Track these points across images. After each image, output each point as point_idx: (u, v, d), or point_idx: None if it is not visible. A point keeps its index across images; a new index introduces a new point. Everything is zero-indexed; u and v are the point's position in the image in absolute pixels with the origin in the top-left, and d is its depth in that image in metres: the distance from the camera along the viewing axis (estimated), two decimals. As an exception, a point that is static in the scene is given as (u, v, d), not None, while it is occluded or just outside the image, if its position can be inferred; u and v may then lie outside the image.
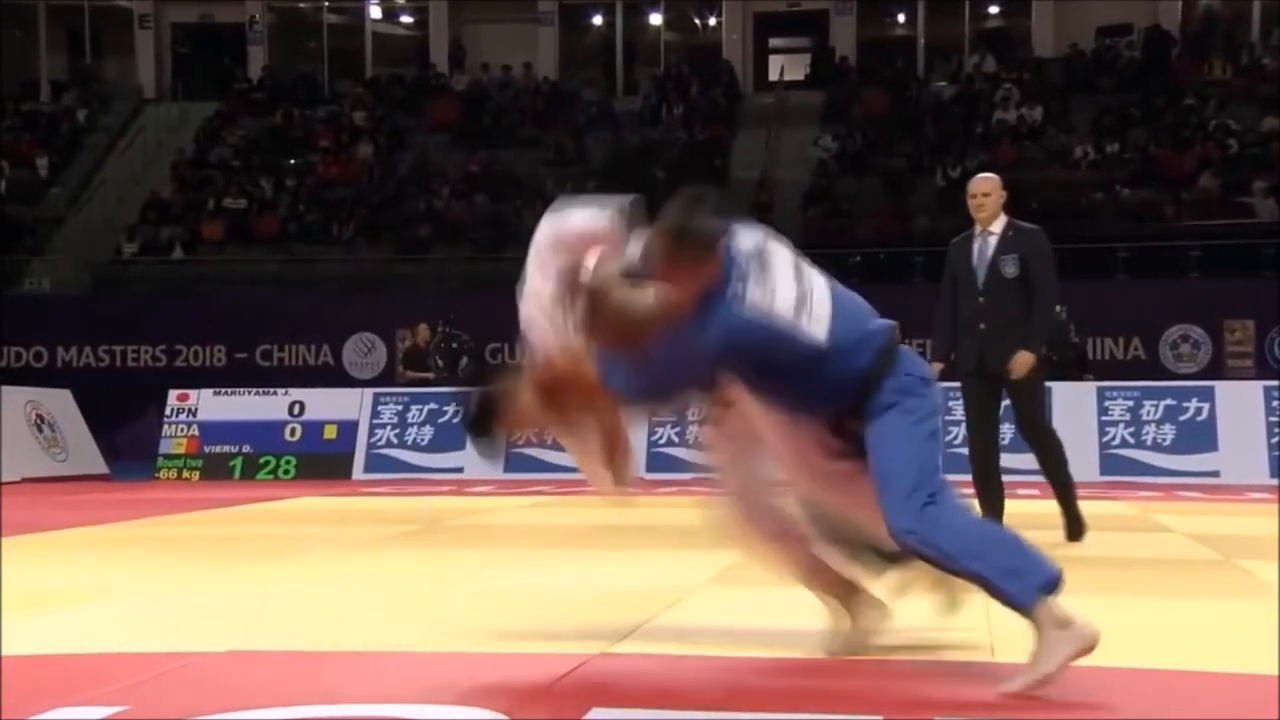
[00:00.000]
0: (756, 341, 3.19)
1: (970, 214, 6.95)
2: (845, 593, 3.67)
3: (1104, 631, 4.00)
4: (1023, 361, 6.68)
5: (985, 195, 6.86)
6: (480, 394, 3.59)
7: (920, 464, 3.19)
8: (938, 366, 6.87)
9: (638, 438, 3.40)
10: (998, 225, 6.85)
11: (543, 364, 3.41)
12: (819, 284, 3.32)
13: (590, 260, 3.31)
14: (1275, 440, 12.04)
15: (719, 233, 3.22)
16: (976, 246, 6.87)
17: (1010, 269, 6.76)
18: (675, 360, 3.21)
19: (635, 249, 3.32)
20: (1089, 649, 3.10)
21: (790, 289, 3.24)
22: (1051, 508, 8.78)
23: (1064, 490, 6.90)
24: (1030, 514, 8.23)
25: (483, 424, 3.57)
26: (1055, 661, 3.07)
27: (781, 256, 3.33)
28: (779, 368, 3.25)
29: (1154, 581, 5.46)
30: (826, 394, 3.27)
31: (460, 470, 12.81)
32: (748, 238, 3.33)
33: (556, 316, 3.36)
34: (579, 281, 3.29)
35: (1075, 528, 6.83)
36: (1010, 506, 7.06)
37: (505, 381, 3.54)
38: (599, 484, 3.60)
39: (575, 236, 3.39)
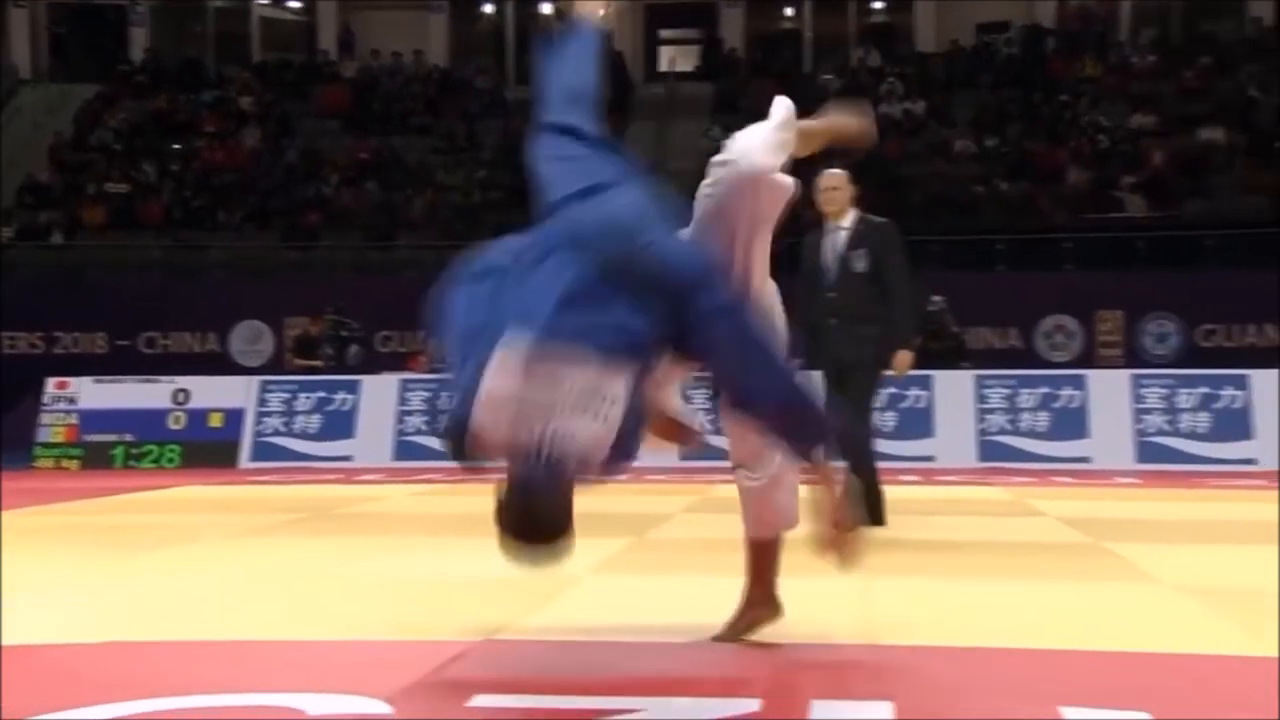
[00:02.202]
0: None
1: (820, 208, 6.89)
2: (751, 578, 3.66)
3: (977, 613, 4.18)
4: (903, 361, 6.70)
5: (834, 189, 6.80)
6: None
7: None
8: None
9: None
10: (848, 219, 6.81)
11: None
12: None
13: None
14: (1140, 427, 12.48)
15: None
16: (828, 242, 6.82)
17: (860, 264, 6.70)
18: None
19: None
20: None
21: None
22: (932, 493, 8.98)
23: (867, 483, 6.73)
24: (913, 499, 8.39)
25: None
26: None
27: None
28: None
29: (1026, 565, 5.59)
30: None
31: (348, 459, 12.78)
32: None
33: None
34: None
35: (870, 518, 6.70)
36: (891, 492, 7.11)
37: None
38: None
39: None
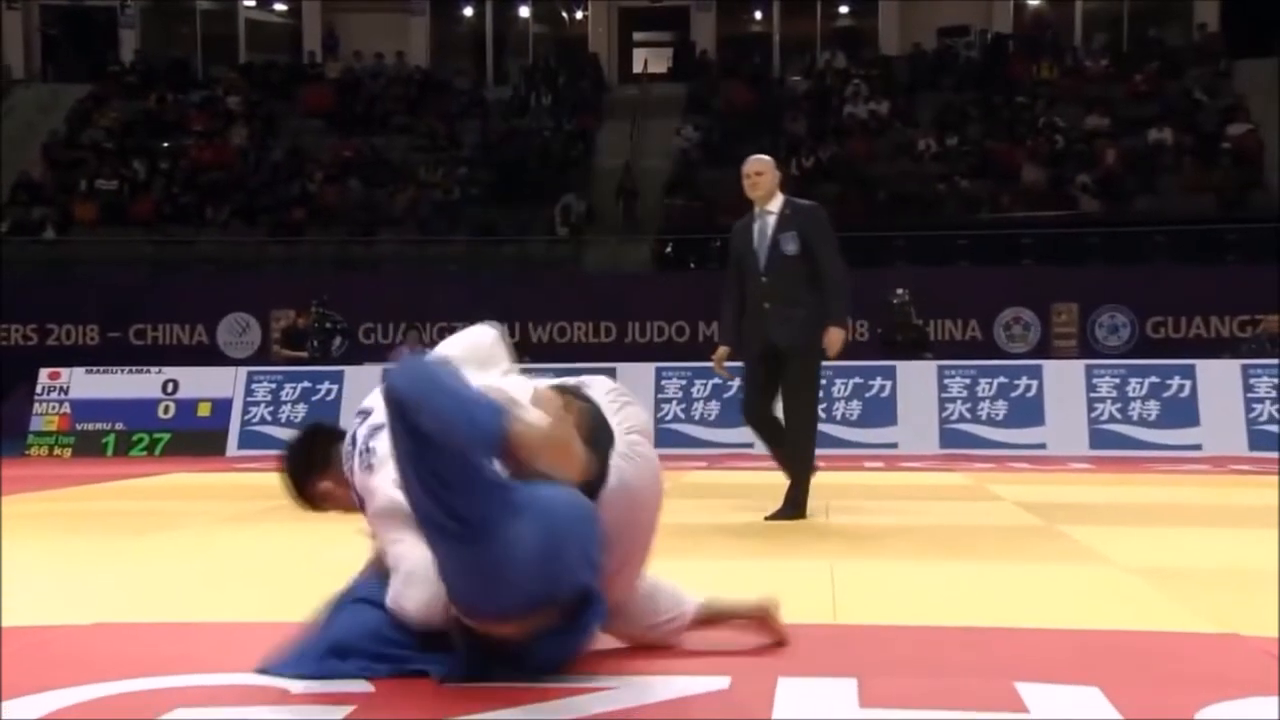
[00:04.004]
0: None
1: (746, 194, 6.86)
2: None
3: (937, 594, 4.34)
4: (835, 339, 6.57)
5: (758, 175, 6.77)
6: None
7: None
8: (724, 350, 6.90)
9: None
10: (775, 204, 6.76)
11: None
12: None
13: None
14: (1094, 415, 12.90)
15: None
16: (757, 227, 6.78)
17: (791, 247, 6.66)
18: None
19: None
20: None
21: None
22: (895, 479, 9.10)
23: (799, 472, 6.76)
24: (877, 485, 8.54)
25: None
26: None
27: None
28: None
29: (985, 547, 5.68)
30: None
31: (332, 446, 13.12)
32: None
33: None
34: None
35: (792, 510, 6.66)
36: (850, 478, 7.33)
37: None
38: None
39: None
